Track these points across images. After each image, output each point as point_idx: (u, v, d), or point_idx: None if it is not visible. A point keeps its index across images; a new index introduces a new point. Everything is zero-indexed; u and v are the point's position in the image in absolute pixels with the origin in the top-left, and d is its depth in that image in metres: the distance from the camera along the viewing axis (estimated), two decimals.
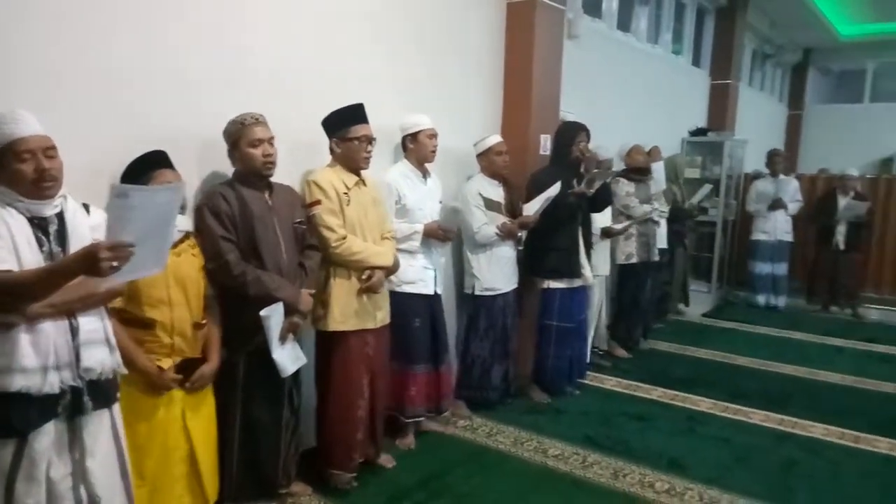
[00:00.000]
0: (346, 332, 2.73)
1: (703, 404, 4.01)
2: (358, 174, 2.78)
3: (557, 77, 4.34)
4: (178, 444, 2.13)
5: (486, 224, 3.55)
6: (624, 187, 4.77)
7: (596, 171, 3.97)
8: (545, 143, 4.15)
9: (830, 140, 11.51)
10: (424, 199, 3.17)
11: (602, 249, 4.49)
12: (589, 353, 4.52)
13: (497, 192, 3.65)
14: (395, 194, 3.10)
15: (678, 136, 7.20)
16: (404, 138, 3.20)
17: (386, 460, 3.05)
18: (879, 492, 2.97)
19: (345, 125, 2.71)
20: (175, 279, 2.09)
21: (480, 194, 3.57)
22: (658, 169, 4.92)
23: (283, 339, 2.38)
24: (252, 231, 2.34)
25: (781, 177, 6.77)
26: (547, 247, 3.85)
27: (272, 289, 2.33)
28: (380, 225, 2.87)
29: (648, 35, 6.46)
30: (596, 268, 4.42)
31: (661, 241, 5.19)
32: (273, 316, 2.31)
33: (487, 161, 3.66)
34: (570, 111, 4.62)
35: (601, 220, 4.43)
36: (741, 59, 8.52)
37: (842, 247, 6.44)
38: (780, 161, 6.81)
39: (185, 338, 2.13)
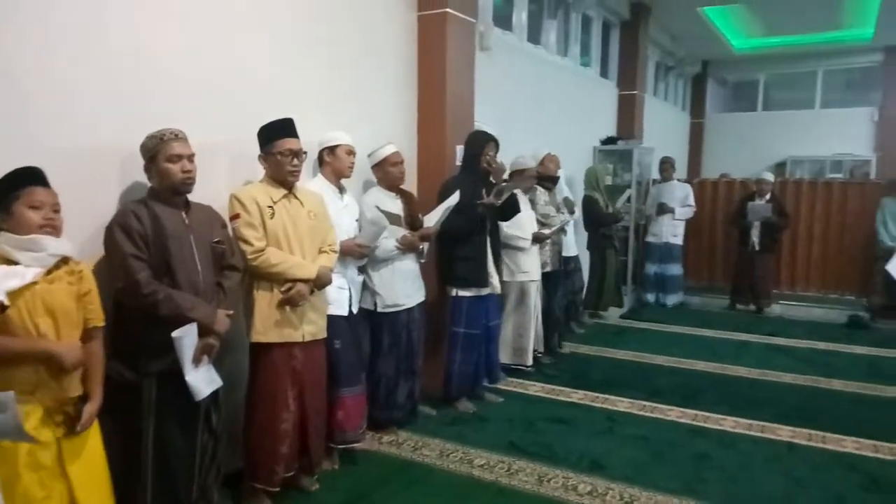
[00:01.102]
0: (270, 343, 2.70)
1: (622, 404, 4.13)
2: (288, 188, 2.77)
3: (470, 88, 4.39)
4: (50, 493, 1.87)
5: (384, 238, 3.42)
6: (541, 196, 4.88)
7: (505, 182, 4.03)
8: (460, 154, 4.18)
9: (730, 146, 12.26)
10: (341, 215, 3.11)
11: (534, 254, 4.59)
12: (531, 354, 4.61)
13: (395, 205, 3.55)
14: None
15: (590, 145, 7.45)
16: (321, 152, 3.14)
17: (308, 484, 2.95)
18: (783, 477, 3.14)
19: (270, 140, 2.72)
20: (45, 308, 1.86)
21: (378, 207, 3.42)
22: (561, 177, 5.06)
23: (196, 360, 2.27)
24: (166, 250, 2.25)
25: (669, 182, 7.15)
26: (455, 256, 3.87)
27: (185, 308, 2.23)
28: (316, 238, 2.84)
29: (558, 48, 6.66)
30: (530, 272, 4.54)
31: (569, 249, 5.35)
32: (186, 337, 2.21)
33: (383, 172, 3.56)
34: (484, 122, 4.67)
35: (529, 226, 4.52)
36: (646, 70, 8.93)
37: (757, 247, 6.81)
38: (669, 167, 7.20)
39: (53, 374, 1.88)
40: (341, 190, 3.21)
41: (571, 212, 5.46)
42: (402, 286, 3.58)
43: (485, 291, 4.00)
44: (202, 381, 2.31)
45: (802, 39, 10.50)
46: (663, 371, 4.90)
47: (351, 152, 3.17)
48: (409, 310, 3.63)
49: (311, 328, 2.81)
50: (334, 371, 3.04)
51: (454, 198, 3.59)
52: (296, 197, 2.80)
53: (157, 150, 2.27)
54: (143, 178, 2.38)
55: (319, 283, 2.77)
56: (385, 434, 3.57)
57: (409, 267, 3.62)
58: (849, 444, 3.51)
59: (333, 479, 3.06)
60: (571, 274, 5.64)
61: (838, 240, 7.19)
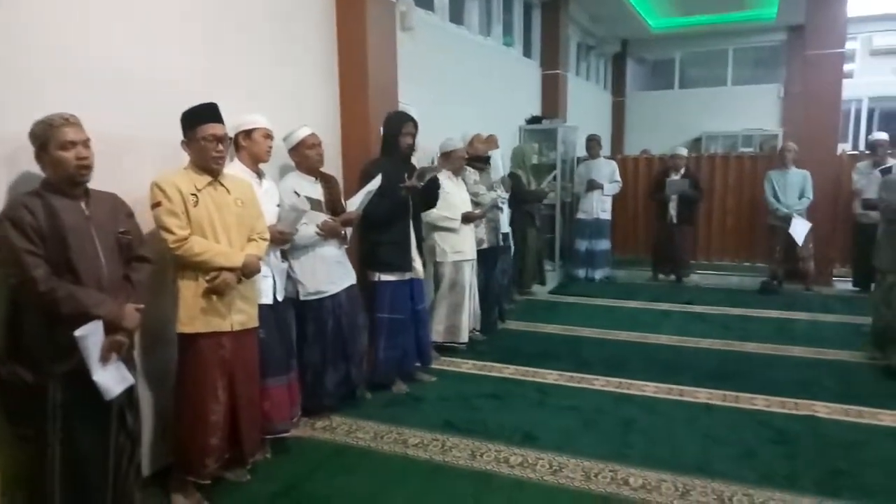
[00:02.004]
0: (197, 334, 2.64)
1: (552, 377, 4.26)
2: (213, 175, 2.68)
3: (393, 69, 4.36)
4: None
5: (304, 224, 3.31)
6: (471, 176, 4.91)
7: (425, 166, 4.03)
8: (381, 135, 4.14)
9: (650, 123, 12.73)
10: (261, 201, 2.98)
11: (468, 233, 4.63)
12: (466, 332, 4.68)
13: (315, 189, 3.46)
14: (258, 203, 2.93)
15: (516, 125, 7.55)
16: (237, 136, 3.03)
17: (241, 475, 2.90)
18: (701, 436, 3.32)
19: (193, 125, 2.63)
20: None
21: (296, 192, 3.36)
22: (496, 157, 5.11)
23: (104, 359, 2.17)
24: (64, 244, 2.12)
25: (597, 159, 7.36)
26: (378, 241, 3.86)
27: (89, 305, 2.12)
28: (244, 226, 2.77)
29: (480, 28, 6.69)
30: (464, 252, 4.58)
31: (504, 225, 5.44)
32: (90, 336, 2.10)
33: (300, 156, 3.45)
34: (408, 103, 4.66)
35: (461, 207, 4.56)
36: (567, 50, 9.11)
37: (675, 220, 7.10)
38: (596, 145, 7.41)
39: None
40: (260, 175, 3.11)
41: (509, 190, 5.56)
42: (325, 272, 3.50)
43: (408, 276, 3.99)
44: (112, 379, 2.20)
45: (713, 19, 10.96)
46: (591, 343, 5.07)
47: (268, 136, 3.08)
48: (334, 296, 3.55)
49: (241, 317, 2.74)
50: (260, 362, 2.97)
51: (376, 181, 3.56)
52: (222, 184, 2.71)
53: (47, 138, 2.11)
54: (34, 167, 2.21)
55: (247, 271, 2.69)
56: (319, 420, 3.54)
57: (331, 253, 3.54)
58: (759, 402, 3.75)
59: (266, 469, 3.02)
60: (506, 250, 5.75)
61: (749, 211, 7.60)
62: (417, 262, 4.05)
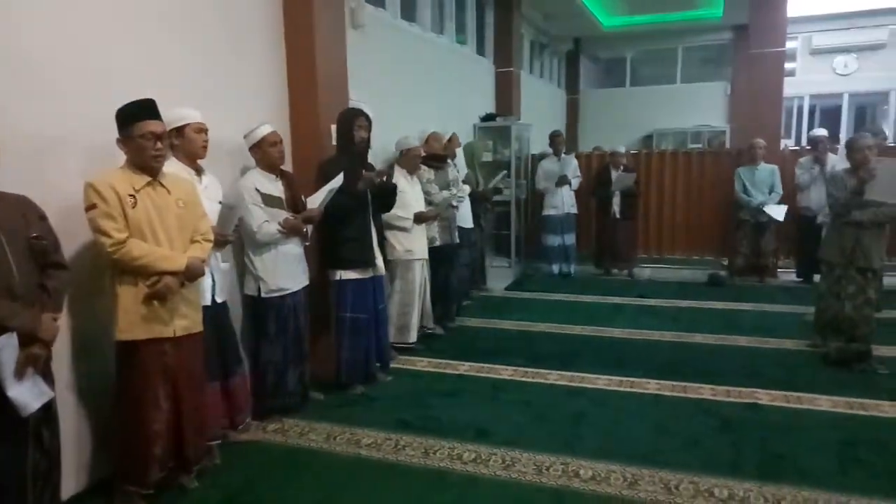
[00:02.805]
0: (136, 341, 2.54)
1: (506, 372, 4.29)
2: (152, 174, 2.58)
3: (343, 66, 4.31)
4: None
5: (266, 221, 3.36)
6: (424, 174, 4.90)
7: (382, 169, 4.03)
8: (336, 133, 4.10)
9: (603, 121, 12.94)
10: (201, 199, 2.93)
11: (419, 233, 4.62)
12: (415, 332, 4.65)
13: (276, 187, 3.47)
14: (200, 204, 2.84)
15: (470, 122, 7.57)
16: (169, 133, 2.89)
17: (187, 482, 2.84)
18: (649, 426, 3.39)
19: (129, 122, 2.52)
20: None
21: (258, 190, 3.35)
22: (459, 154, 5.11)
23: (20, 373, 2.06)
24: None
25: (564, 156, 7.43)
26: (338, 238, 3.83)
27: (1, 317, 2.01)
28: (186, 228, 2.67)
29: (433, 25, 6.68)
30: (415, 251, 4.56)
31: (464, 221, 5.45)
32: (4, 349, 1.99)
33: (261, 153, 3.44)
34: (360, 100, 4.61)
35: (415, 206, 4.54)
36: (521, 48, 9.18)
37: (618, 216, 7.22)
38: (561, 141, 7.47)
39: None
40: (199, 171, 3.02)
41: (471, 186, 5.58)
42: (286, 270, 3.52)
43: (369, 273, 3.98)
44: (29, 395, 2.09)
45: (662, 18, 11.20)
46: (545, 338, 5.12)
47: (201, 130, 2.96)
48: (293, 294, 3.57)
49: (184, 322, 2.66)
50: None
51: (338, 179, 3.55)
52: (161, 184, 2.61)
53: None
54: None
55: (190, 275, 2.62)
56: (270, 423, 3.49)
57: (292, 250, 3.55)
58: (706, 392, 3.85)
59: (215, 475, 2.96)
60: (470, 245, 5.77)
61: (698, 206, 7.78)
62: (378, 259, 4.04)
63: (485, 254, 6.95)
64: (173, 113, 2.88)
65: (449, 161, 5.29)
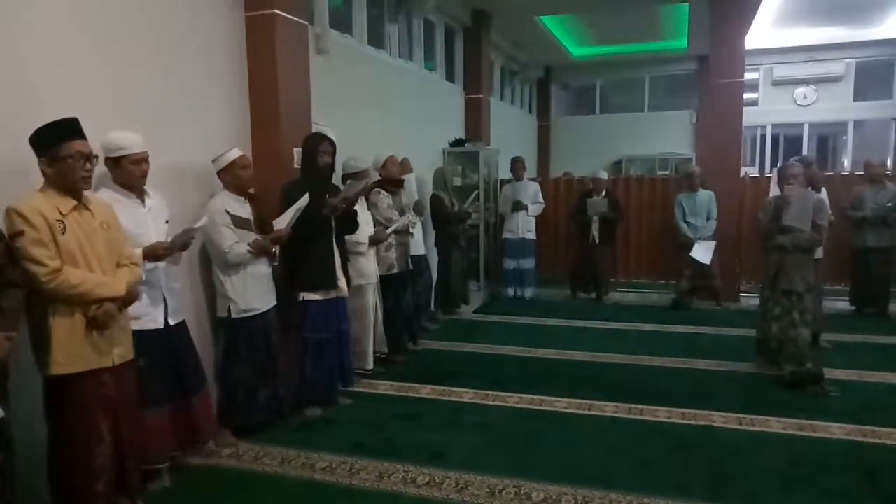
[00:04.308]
0: (74, 374, 2.44)
1: (468, 395, 4.30)
2: (77, 197, 2.48)
3: (306, 91, 4.36)
4: None
5: (237, 243, 3.43)
6: (384, 199, 4.93)
7: (351, 180, 4.07)
8: (299, 157, 4.13)
9: (574, 147, 13.18)
10: (144, 221, 2.88)
11: (371, 257, 4.61)
12: (371, 358, 4.63)
13: (244, 209, 3.54)
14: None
15: (440, 147, 7.66)
16: (106, 161, 2.81)
17: None
18: (604, 449, 3.42)
19: (54, 142, 2.39)
20: None
21: (227, 212, 3.42)
22: (410, 180, 5.16)
23: None
24: None
25: (524, 181, 7.55)
26: (302, 259, 3.85)
27: None
28: (113, 252, 2.59)
29: (401, 51, 6.78)
30: (368, 275, 4.55)
31: (417, 248, 5.48)
32: None
33: (231, 176, 3.51)
34: (325, 125, 4.66)
35: (367, 228, 4.55)
36: (491, 75, 9.35)
37: (596, 240, 7.32)
38: (520, 167, 7.59)
39: None
40: (141, 195, 2.93)
41: (421, 213, 5.60)
42: (256, 291, 3.59)
43: (332, 294, 3.99)
44: None
45: (629, 48, 11.51)
46: (509, 360, 5.15)
47: (140, 160, 2.84)
48: (264, 314, 3.62)
49: (121, 350, 2.60)
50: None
51: (304, 199, 3.60)
52: (87, 208, 2.50)
53: None
54: None
55: (129, 299, 2.58)
56: (223, 446, 3.45)
57: (261, 271, 3.63)
58: (661, 414, 3.90)
59: (163, 500, 2.92)
60: (423, 272, 5.79)
61: (664, 231, 7.90)
62: (342, 281, 4.05)
63: (467, 276, 7.00)
64: (110, 139, 2.78)
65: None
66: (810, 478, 3.05)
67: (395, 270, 4.93)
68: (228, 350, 3.56)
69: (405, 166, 5.53)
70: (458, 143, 7.85)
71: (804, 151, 12.12)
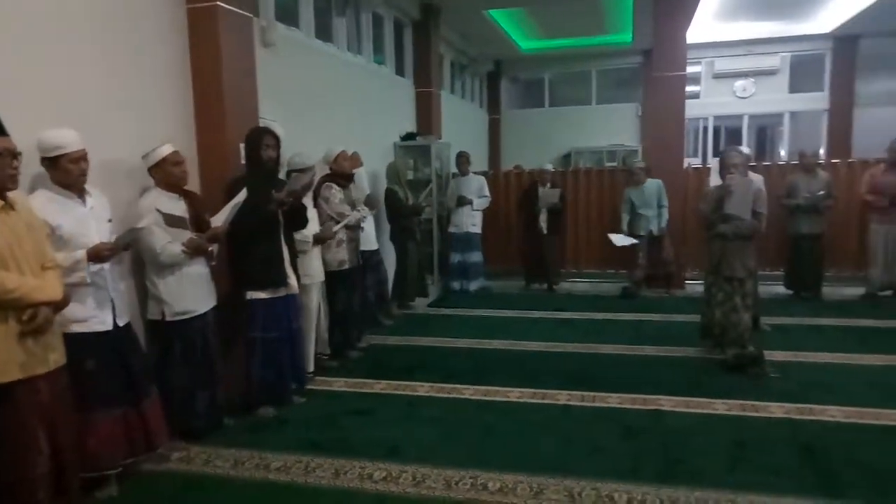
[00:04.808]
0: (9, 382, 2.33)
1: (422, 389, 4.31)
2: (3, 197, 2.36)
3: (252, 85, 4.27)
4: None
5: (169, 242, 3.27)
6: (336, 194, 4.88)
7: (296, 174, 4.02)
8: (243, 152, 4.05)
9: (524, 140, 13.30)
10: (86, 222, 2.78)
11: (316, 255, 4.54)
12: (313, 360, 4.54)
13: (179, 206, 3.39)
14: (44, 226, 2.61)
15: (391, 142, 7.62)
16: (42, 161, 2.71)
17: None
18: (557, 436, 3.49)
19: None
20: None
21: (159, 210, 3.25)
22: (360, 175, 5.11)
23: None
24: None
25: (469, 175, 7.61)
26: (249, 256, 3.77)
27: None
28: (39, 253, 2.46)
29: (350, 45, 6.71)
30: (312, 274, 4.48)
31: (369, 243, 5.46)
32: None
33: (163, 173, 3.35)
34: (272, 119, 4.58)
35: (312, 226, 4.48)
36: (441, 69, 9.34)
37: (545, 231, 7.41)
38: (465, 161, 7.65)
39: None
40: (82, 194, 2.83)
41: (374, 208, 5.57)
42: (192, 292, 3.44)
43: (281, 292, 3.92)
44: None
45: (576, 42, 11.68)
46: (463, 353, 5.18)
47: (79, 158, 2.75)
48: (201, 316, 3.49)
49: (56, 355, 2.49)
50: (84, 395, 2.74)
51: (241, 195, 3.51)
52: (13, 208, 2.37)
53: None
54: None
55: (65, 303, 2.49)
56: (174, 450, 3.36)
57: (198, 271, 3.48)
58: (613, 400, 4.00)
59: None
60: (375, 267, 5.76)
61: (614, 221, 8.06)
62: (292, 278, 3.98)
63: (423, 269, 7.00)
64: (48, 140, 2.68)
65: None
66: (753, 457, 3.18)
67: (346, 266, 4.88)
68: (163, 354, 3.41)
69: (355, 160, 5.48)
70: (409, 136, 7.83)
71: (744, 142, 12.55)
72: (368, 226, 5.43)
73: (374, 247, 5.65)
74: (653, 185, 7.10)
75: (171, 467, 3.25)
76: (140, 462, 3.14)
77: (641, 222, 7.07)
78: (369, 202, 5.29)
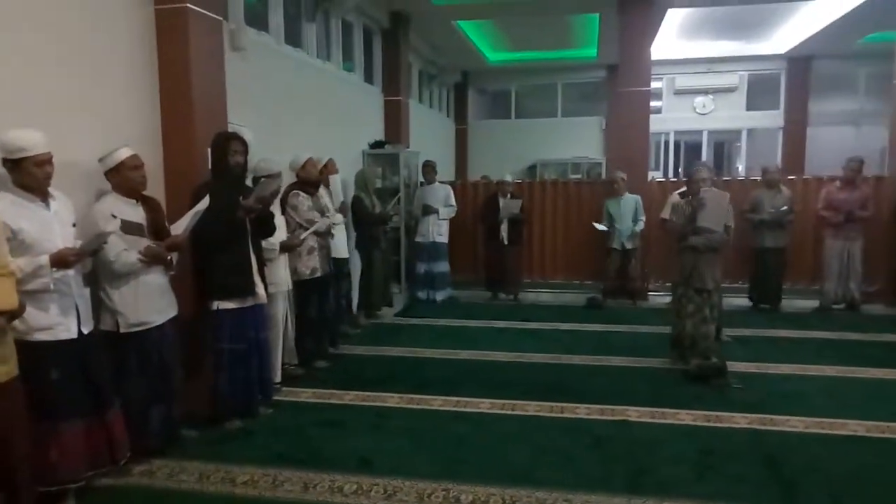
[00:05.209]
0: None
1: (392, 400, 4.27)
2: None
3: (221, 89, 4.19)
4: None
5: (125, 250, 3.11)
6: (304, 201, 4.82)
7: (264, 179, 3.96)
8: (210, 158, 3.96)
9: (490, 151, 13.41)
10: (49, 226, 2.68)
11: (282, 264, 4.46)
12: (280, 371, 4.46)
13: (136, 213, 3.24)
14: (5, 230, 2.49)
15: (359, 149, 7.58)
16: (4, 162, 2.61)
17: None
18: (528, 447, 3.50)
19: None
20: None
21: (115, 216, 3.08)
22: (336, 181, 5.07)
23: None
24: None
25: (435, 184, 7.63)
26: (216, 265, 3.68)
27: None
28: None
29: (319, 51, 6.66)
30: (279, 283, 4.40)
31: (340, 251, 5.41)
32: None
33: (121, 178, 3.19)
34: (241, 124, 4.50)
35: (280, 234, 4.41)
36: (409, 77, 9.34)
37: (506, 241, 7.46)
38: (431, 171, 7.67)
39: None
40: (45, 198, 2.73)
41: (345, 215, 5.53)
42: (149, 302, 3.27)
43: (249, 302, 3.84)
44: None
45: (542, 55, 11.85)
46: (432, 363, 5.16)
47: (44, 162, 2.67)
48: (158, 327, 3.33)
49: (6, 367, 2.37)
50: (48, 406, 2.64)
51: (203, 202, 3.39)
52: None
53: None
54: None
55: (20, 312, 2.38)
56: (136, 464, 3.25)
57: (156, 280, 3.31)
58: (581, 411, 4.03)
59: None
60: (347, 276, 5.71)
61: (578, 232, 8.19)
62: (260, 287, 3.89)
63: (389, 278, 6.95)
64: (10, 140, 2.58)
65: (323, 188, 5.23)
66: (719, 466, 3.24)
67: (318, 274, 4.82)
68: (116, 368, 3.19)
69: (331, 167, 5.44)
70: (377, 144, 7.80)
71: (703, 157, 12.89)
72: (341, 234, 5.37)
73: (346, 255, 5.60)
74: (630, 199, 7.23)
75: (132, 481, 3.14)
76: (101, 476, 3.02)
77: (615, 235, 7.19)
78: (343, 209, 5.24)
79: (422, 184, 7.93)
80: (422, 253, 7.64)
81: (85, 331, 2.84)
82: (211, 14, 4.04)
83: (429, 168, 7.66)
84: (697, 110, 13.02)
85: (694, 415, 3.93)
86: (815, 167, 10.99)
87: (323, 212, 4.91)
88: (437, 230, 7.55)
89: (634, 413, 3.97)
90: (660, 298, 7.55)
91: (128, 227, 3.15)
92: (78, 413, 2.79)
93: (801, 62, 12.15)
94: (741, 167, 13.49)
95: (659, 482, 3.08)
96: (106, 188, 3.29)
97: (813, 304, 6.96)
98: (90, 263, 2.86)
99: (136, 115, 3.72)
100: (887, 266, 6.93)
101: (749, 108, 12.91)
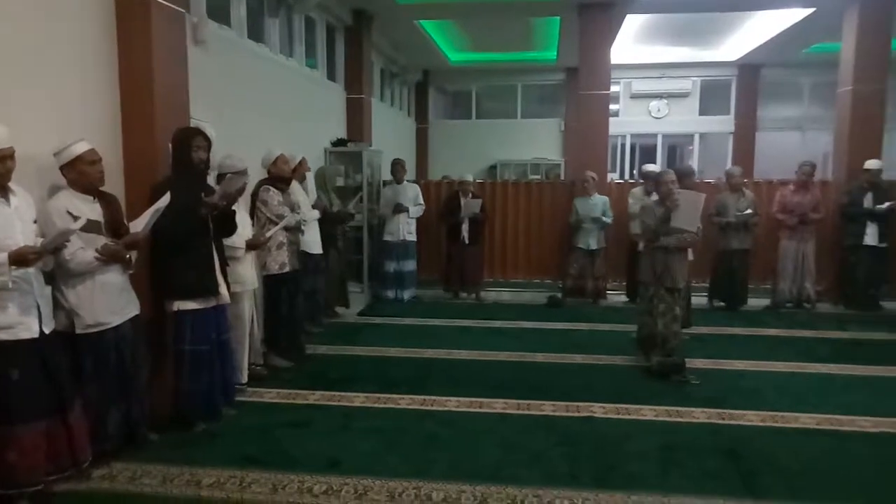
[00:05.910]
0: None
1: (358, 399, 4.24)
2: None
3: (184, 84, 4.08)
4: None
5: (81, 248, 3.00)
6: (275, 196, 4.75)
7: (230, 176, 3.89)
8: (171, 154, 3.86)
9: (451, 150, 13.46)
10: (10, 223, 2.59)
11: (248, 262, 4.38)
12: (246, 371, 4.38)
13: (93, 209, 3.12)
14: None
15: (321, 147, 7.50)
16: None
17: None
18: (497, 444, 3.53)
19: None
20: None
21: (70, 213, 2.97)
22: (309, 178, 5.01)
23: None
24: None
25: (405, 183, 7.61)
26: (175, 265, 3.59)
27: None
28: None
29: (282, 47, 6.56)
30: (244, 282, 4.32)
31: (313, 246, 5.36)
32: None
33: (77, 173, 3.07)
34: (203, 120, 4.40)
35: (245, 232, 4.33)
36: (371, 75, 9.29)
37: (467, 241, 7.49)
38: (401, 169, 7.64)
39: None
40: (6, 194, 2.65)
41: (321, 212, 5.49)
42: (106, 302, 3.16)
43: (212, 302, 3.75)
44: None
45: (503, 57, 11.95)
46: (397, 362, 5.14)
47: (5, 157, 2.58)
48: (116, 328, 3.22)
49: None
50: (9, 406, 2.54)
51: (164, 199, 3.29)
52: None
53: None
54: None
55: None
56: (95, 468, 3.14)
57: (113, 279, 3.21)
58: (547, 408, 4.08)
59: None
60: (321, 272, 5.65)
61: (538, 232, 8.29)
62: (222, 287, 3.80)
63: (345, 276, 6.89)
64: None
65: (296, 184, 5.18)
66: (682, 460, 3.34)
67: (287, 269, 4.75)
68: (73, 369, 3.08)
69: (303, 165, 5.39)
70: (340, 142, 7.74)
71: (658, 160, 13.22)
72: (314, 229, 5.32)
73: (319, 251, 5.54)
74: (599, 199, 7.34)
75: (92, 486, 3.03)
76: (62, 480, 2.91)
77: (581, 235, 7.30)
78: (318, 205, 5.21)
79: (389, 182, 7.87)
80: (391, 252, 7.56)
81: (46, 330, 2.74)
82: (173, 5, 3.93)
83: (399, 167, 7.59)
84: (653, 114, 13.34)
85: (656, 410, 4.03)
86: (762, 170, 11.39)
87: (293, 208, 4.84)
88: (407, 229, 7.52)
89: (599, 409, 4.05)
90: (618, 297, 7.71)
91: (84, 225, 3.02)
92: (39, 414, 2.69)
93: (750, 70, 12.58)
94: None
95: (626, 476, 3.15)
96: (61, 183, 3.16)
97: (763, 302, 7.21)
98: (52, 262, 2.74)
99: (93, 108, 3.59)
100: (833, 267, 7.25)
101: (702, 112, 13.30)
